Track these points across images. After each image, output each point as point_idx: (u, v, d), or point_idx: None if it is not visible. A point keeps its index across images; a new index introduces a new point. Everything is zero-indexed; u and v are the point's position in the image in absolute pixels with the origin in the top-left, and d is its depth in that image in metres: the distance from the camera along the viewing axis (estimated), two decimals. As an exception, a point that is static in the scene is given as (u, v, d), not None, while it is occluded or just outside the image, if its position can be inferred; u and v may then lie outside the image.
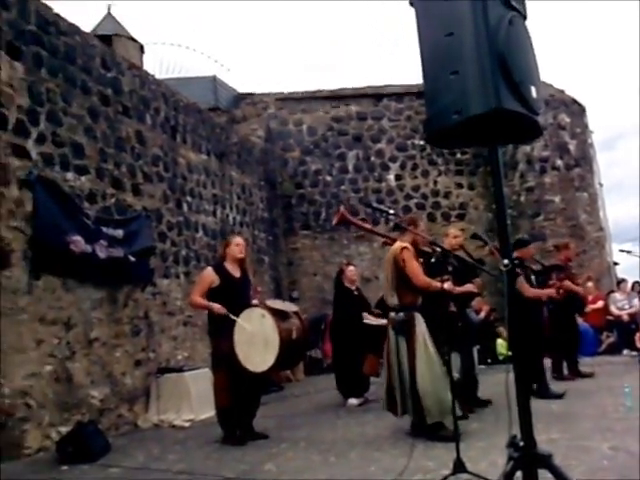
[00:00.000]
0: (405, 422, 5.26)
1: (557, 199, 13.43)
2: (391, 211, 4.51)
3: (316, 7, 46.87)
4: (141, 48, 12.92)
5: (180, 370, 7.52)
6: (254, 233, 11.68)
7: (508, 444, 2.40)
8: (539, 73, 2.52)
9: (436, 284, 4.77)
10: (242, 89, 14.81)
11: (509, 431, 2.45)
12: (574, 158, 13.58)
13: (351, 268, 7.78)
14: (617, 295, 11.45)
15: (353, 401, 7.29)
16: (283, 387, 9.57)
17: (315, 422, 6.41)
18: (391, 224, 9.97)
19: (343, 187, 13.76)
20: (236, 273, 5.74)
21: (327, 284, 11.91)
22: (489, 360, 10.04)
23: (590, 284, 11.48)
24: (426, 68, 2.41)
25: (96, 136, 7.07)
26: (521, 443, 2.34)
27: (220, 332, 5.52)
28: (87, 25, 12.50)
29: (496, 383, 6.25)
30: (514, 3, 2.39)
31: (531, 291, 6.63)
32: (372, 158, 13.93)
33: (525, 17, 2.50)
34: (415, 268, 5.00)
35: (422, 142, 13.42)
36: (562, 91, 13.91)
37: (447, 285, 4.66)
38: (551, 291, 7.14)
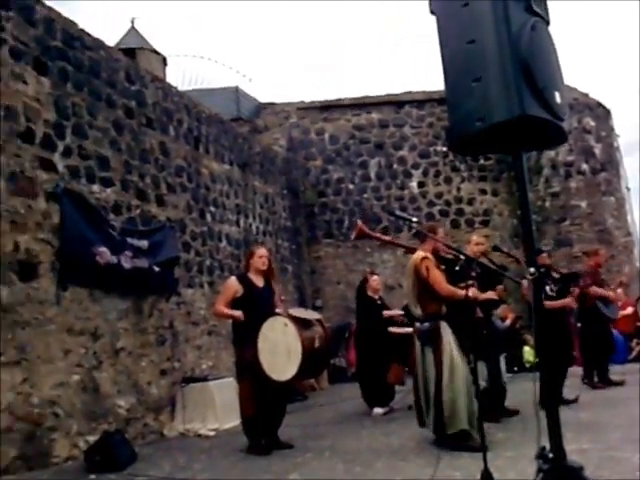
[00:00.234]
0: (431, 432, 5.21)
1: (583, 204, 13.26)
2: (414, 219, 4.47)
3: (316, 7, 47.02)
4: (164, 60, 13.09)
5: (205, 379, 7.54)
6: (277, 242, 11.71)
7: (537, 455, 2.36)
8: (563, 78, 2.50)
9: (460, 292, 4.72)
10: (264, 99, 14.93)
11: (538, 442, 2.41)
12: (600, 162, 13.40)
13: (375, 277, 7.75)
14: (648, 301, 11.25)
15: (378, 410, 7.25)
16: (307, 396, 9.54)
17: (340, 431, 6.38)
18: (413, 232, 9.92)
19: (365, 195, 13.75)
20: (259, 283, 5.76)
21: (351, 292, 11.86)
22: (516, 368, 9.91)
23: (620, 290, 11.29)
24: (448, 75, 2.40)
25: (121, 148, 7.16)
26: (551, 455, 2.30)
27: (244, 341, 5.54)
28: (111, 39, 12.70)
29: (523, 391, 6.21)
30: (537, 9, 2.37)
31: (546, 304, 6.49)
32: (394, 165, 13.90)
33: (548, 22, 2.48)
34: (437, 277, 4.96)
35: (444, 149, 13.36)
36: (586, 94, 13.75)
37: (471, 292, 4.61)
38: (566, 301, 6.92)
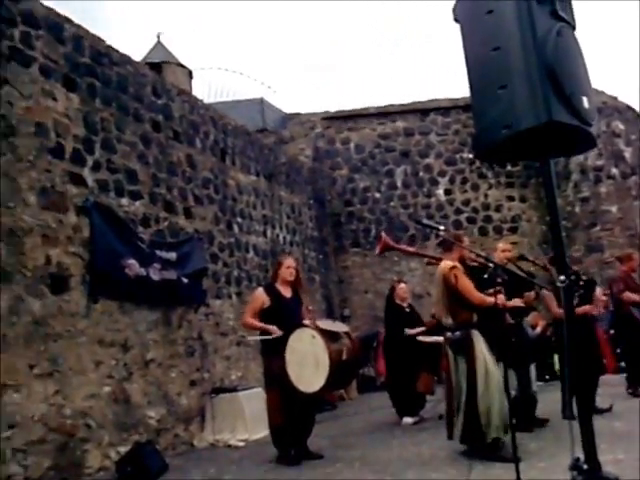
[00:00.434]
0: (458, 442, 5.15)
1: (614, 209, 13.02)
2: (441, 227, 4.45)
3: (316, 7, 47.12)
4: (190, 74, 13.26)
5: (234, 390, 7.57)
6: (304, 252, 11.73)
7: (571, 466, 2.32)
8: (590, 82, 2.47)
9: (489, 299, 4.68)
10: (289, 110, 15.02)
11: (572, 452, 2.37)
12: (630, 166, 13.16)
13: (402, 285, 7.71)
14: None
15: (408, 420, 7.19)
16: (337, 406, 9.51)
17: (370, 441, 6.34)
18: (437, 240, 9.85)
19: (392, 203, 13.71)
20: (287, 293, 5.77)
21: (378, 301, 11.83)
22: (547, 377, 9.75)
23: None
24: (473, 83, 2.39)
25: (149, 162, 7.26)
26: (585, 466, 2.26)
27: (272, 352, 5.55)
28: (138, 53, 12.95)
29: (555, 400, 6.11)
30: (562, 14, 2.35)
31: (558, 311, 6.36)
32: (420, 173, 13.85)
33: (574, 27, 2.45)
34: (468, 285, 4.92)
35: (471, 155, 13.27)
36: (615, 98, 13.54)
37: (500, 298, 4.55)
38: (587, 308, 6.69)
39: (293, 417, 5.55)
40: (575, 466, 2.29)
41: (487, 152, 2.48)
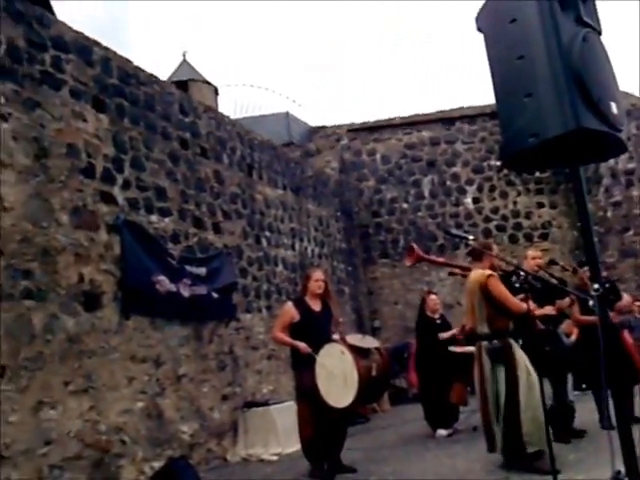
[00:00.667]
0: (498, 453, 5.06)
1: (647, 212, 12.78)
2: (470, 237, 4.41)
3: (316, 7, 47.23)
4: (215, 90, 13.43)
5: (266, 404, 7.57)
6: (333, 264, 11.72)
7: (611, 479, 2.27)
8: (618, 87, 2.44)
9: (524, 306, 4.63)
10: (314, 123, 15.08)
11: (612, 465, 2.31)
12: (663, 169, 12.92)
13: (432, 297, 7.65)
14: None
15: (442, 432, 7.10)
16: (369, 418, 9.44)
17: (403, 454, 6.28)
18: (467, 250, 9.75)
19: (420, 213, 13.65)
20: (316, 307, 5.76)
21: (409, 312, 11.77)
22: (584, 386, 9.54)
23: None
24: (499, 92, 2.37)
25: (177, 179, 7.35)
26: (626, 479, 2.20)
27: (302, 366, 5.54)
28: (165, 72, 13.17)
29: (593, 410, 5.98)
30: (587, 19, 2.32)
31: (582, 319, 6.23)
32: (448, 182, 13.77)
33: (600, 32, 2.43)
34: (505, 293, 4.88)
35: (498, 163, 13.15)
36: (644, 100, 13.33)
37: (531, 305, 4.50)
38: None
39: (324, 430, 5.53)
40: (615, 479, 2.24)
41: (515, 161, 2.45)
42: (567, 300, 5.92)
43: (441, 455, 5.97)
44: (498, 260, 5.00)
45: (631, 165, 12.91)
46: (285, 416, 7.28)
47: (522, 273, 4.68)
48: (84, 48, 6.19)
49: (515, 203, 13.64)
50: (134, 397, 6.07)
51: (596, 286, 2.35)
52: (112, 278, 6.04)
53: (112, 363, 5.87)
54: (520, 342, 4.94)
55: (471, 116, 13.95)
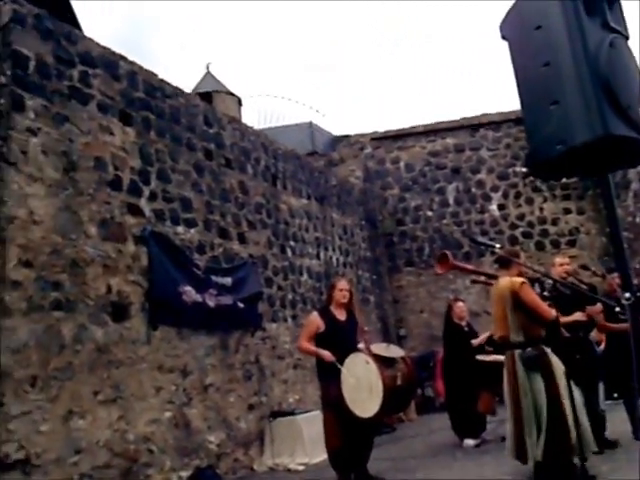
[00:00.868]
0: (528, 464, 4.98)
1: (678, 217, 12.54)
2: (497, 245, 4.37)
3: (316, 7, 47.22)
4: (239, 101, 13.53)
5: (292, 413, 7.57)
6: (358, 273, 11.70)
7: (646, 492, 2.22)
8: (647, 92, 2.40)
9: (554, 313, 4.58)
10: (337, 132, 15.11)
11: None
12: (693, 173, 12.67)
13: (459, 304, 7.59)
14: None
15: (470, 442, 7.02)
16: (396, 428, 9.38)
17: (431, 464, 6.22)
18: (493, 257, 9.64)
19: (445, 221, 13.57)
20: (342, 316, 5.75)
21: (435, 320, 11.68)
22: (615, 395, 9.36)
23: None
24: (524, 100, 2.36)
25: (202, 189, 7.42)
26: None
27: (328, 376, 5.53)
28: (189, 83, 13.31)
29: (625, 420, 5.86)
30: (614, 25, 2.30)
31: (609, 326, 6.07)
32: (473, 189, 13.67)
33: (627, 37, 2.40)
34: (538, 300, 4.82)
35: (524, 169, 13.03)
36: (674, 104, 13.11)
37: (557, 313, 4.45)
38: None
39: (351, 440, 5.50)
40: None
41: (542, 169, 2.43)
42: (599, 306, 5.80)
43: (469, 465, 5.90)
44: (526, 268, 4.94)
45: (660, 169, 12.70)
46: (311, 426, 7.27)
47: (549, 280, 4.62)
48: (111, 63, 6.30)
49: (541, 209, 13.48)
50: (162, 407, 6.12)
51: (627, 295, 2.31)
52: (139, 289, 6.10)
53: (140, 373, 5.92)
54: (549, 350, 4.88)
55: (496, 122, 13.85)
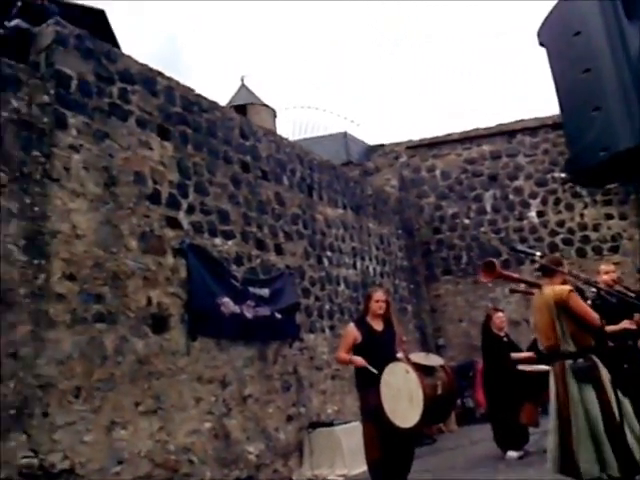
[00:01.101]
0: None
1: None
2: (537, 253, 4.30)
3: (316, 7, 47.06)
4: (274, 113, 13.65)
5: (331, 424, 7.54)
6: (395, 282, 11.64)
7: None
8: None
9: (600, 321, 4.48)
10: (372, 141, 15.11)
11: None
12: None
13: (499, 314, 7.47)
14: None
15: (512, 454, 6.88)
16: (436, 439, 9.27)
17: (473, 477, 6.12)
18: (535, 266, 9.46)
19: (482, 229, 13.41)
20: (378, 327, 5.71)
21: (473, 330, 11.53)
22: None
23: None
24: (565, 107, 2.32)
25: (239, 202, 7.49)
26: None
27: (367, 386, 5.48)
28: (224, 96, 13.49)
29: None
30: (656, 28, 2.24)
31: None
32: (510, 196, 13.50)
33: (669, 40, 2.34)
34: (586, 308, 4.73)
35: (563, 175, 12.81)
36: None
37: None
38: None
39: (390, 451, 5.45)
40: None
41: (585, 176, 2.38)
42: None
43: (513, 478, 5.79)
44: (570, 276, 4.84)
45: None
46: (350, 437, 7.24)
47: (592, 289, 4.52)
48: (148, 79, 6.43)
49: (582, 215, 13.22)
50: (201, 418, 6.17)
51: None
52: (179, 301, 6.18)
53: (180, 384, 5.98)
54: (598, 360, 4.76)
55: (532, 128, 13.67)
